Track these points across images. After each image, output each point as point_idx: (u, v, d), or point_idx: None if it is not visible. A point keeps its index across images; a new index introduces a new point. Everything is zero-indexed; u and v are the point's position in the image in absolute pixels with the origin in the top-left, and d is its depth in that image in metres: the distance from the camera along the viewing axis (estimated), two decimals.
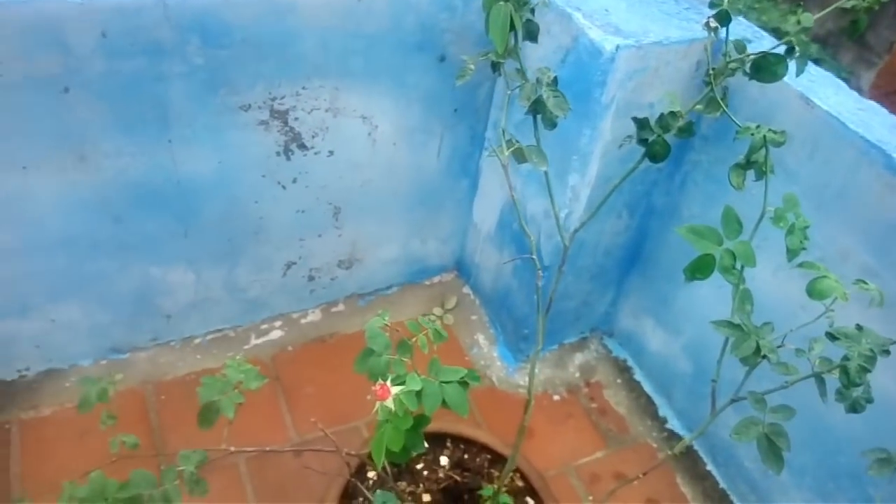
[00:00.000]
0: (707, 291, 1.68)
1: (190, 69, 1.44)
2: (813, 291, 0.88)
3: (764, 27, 1.64)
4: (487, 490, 1.26)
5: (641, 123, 0.93)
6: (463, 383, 0.94)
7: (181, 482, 1.05)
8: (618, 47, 1.40)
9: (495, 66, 1.00)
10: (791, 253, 0.89)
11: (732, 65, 0.96)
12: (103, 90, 1.37)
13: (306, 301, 1.93)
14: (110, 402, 1.08)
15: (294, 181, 1.69)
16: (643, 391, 1.92)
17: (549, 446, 1.79)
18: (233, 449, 1.11)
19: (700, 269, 0.89)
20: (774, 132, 0.88)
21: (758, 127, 0.89)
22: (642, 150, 1.03)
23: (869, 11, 1.18)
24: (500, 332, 1.98)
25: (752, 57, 0.97)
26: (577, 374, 1.97)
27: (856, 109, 1.37)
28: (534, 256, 1.13)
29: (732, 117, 0.93)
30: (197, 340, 1.85)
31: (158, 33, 1.35)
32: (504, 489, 1.27)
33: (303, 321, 1.93)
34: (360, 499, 1.24)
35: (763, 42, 1.49)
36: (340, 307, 1.96)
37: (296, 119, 1.60)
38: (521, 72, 0.95)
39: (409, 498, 1.27)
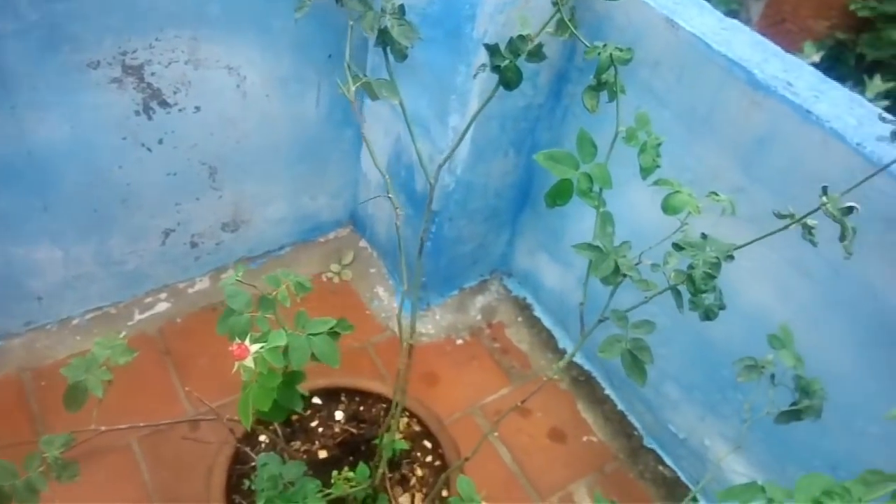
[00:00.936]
0: (593, 223, 1.70)
1: (24, 26, 1.31)
2: (667, 207, 0.90)
3: None
4: (382, 438, 1.25)
5: (492, 50, 0.90)
6: (333, 334, 0.91)
7: (46, 469, 0.99)
8: None
9: None
10: (644, 171, 0.90)
11: None
12: None
13: (192, 269, 1.84)
14: None
15: (160, 142, 1.58)
16: (543, 326, 1.95)
17: (454, 390, 1.81)
18: (103, 428, 1.05)
19: (559, 194, 0.88)
20: (620, 50, 0.87)
21: (604, 46, 0.88)
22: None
23: None
24: (400, 282, 1.96)
25: None
26: (479, 317, 1.98)
27: (719, 29, 1.39)
28: (390, 195, 1.09)
29: (581, 37, 0.91)
30: (75, 321, 1.73)
31: None
32: (401, 435, 1.26)
33: (190, 290, 1.84)
34: (252, 464, 1.21)
35: None
36: (230, 273, 1.88)
37: (152, 74, 1.48)
38: (364, 1, 0.90)
39: (304, 456, 1.25)
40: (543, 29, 0.90)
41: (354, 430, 1.31)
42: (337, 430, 1.30)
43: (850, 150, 1.16)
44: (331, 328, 0.90)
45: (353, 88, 0.95)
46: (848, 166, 1.17)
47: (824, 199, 0.78)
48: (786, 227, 0.84)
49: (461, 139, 1.11)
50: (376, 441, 1.27)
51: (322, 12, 1.60)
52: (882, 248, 1.16)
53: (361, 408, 1.36)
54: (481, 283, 2.02)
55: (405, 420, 1.34)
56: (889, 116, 1.02)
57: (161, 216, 1.70)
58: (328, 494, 1.05)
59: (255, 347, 0.81)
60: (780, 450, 1.45)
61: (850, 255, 0.79)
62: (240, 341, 0.80)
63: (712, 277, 0.82)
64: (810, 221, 0.80)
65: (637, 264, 0.91)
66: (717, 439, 1.58)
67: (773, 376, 1.13)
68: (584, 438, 1.77)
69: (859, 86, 4.23)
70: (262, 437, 1.27)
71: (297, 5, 0.92)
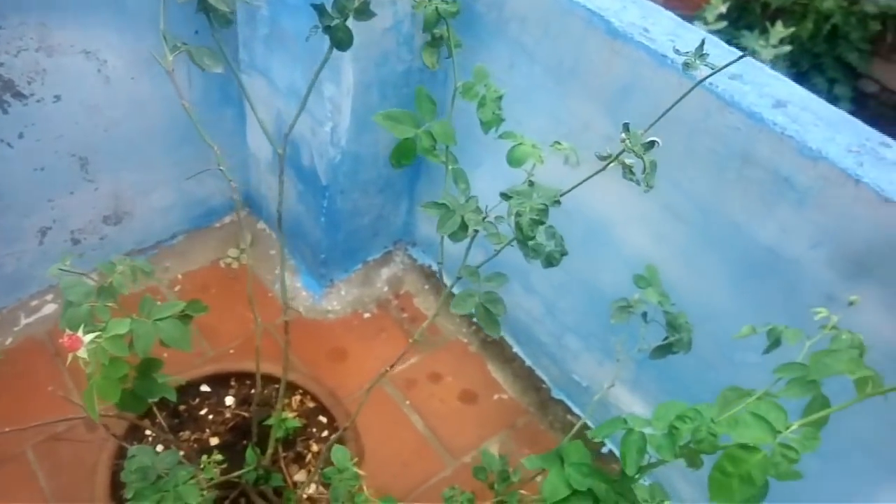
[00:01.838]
0: (487, 184, 1.70)
1: None
2: (511, 159, 0.90)
3: None
4: (273, 418, 1.23)
5: (320, 10, 0.87)
6: (184, 317, 0.88)
7: None
8: None
9: None
10: (486, 125, 0.89)
11: None
12: None
13: (77, 267, 1.75)
14: None
15: (20, 136, 1.49)
16: (451, 292, 1.95)
17: (363, 363, 1.80)
18: None
19: (403, 154, 0.87)
20: (447, 3, 0.86)
21: (430, 0, 0.86)
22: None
23: None
24: (301, 261, 1.93)
25: None
26: (386, 289, 1.97)
27: None
28: (221, 168, 1.06)
29: None
30: None
31: None
32: (294, 414, 1.25)
33: None
34: None
35: None
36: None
37: (1, 65, 1.39)
38: None
39: (195, 445, 1.22)
40: None
41: (246, 414, 1.29)
42: (228, 415, 1.27)
43: (704, 90, 1.18)
44: (181, 311, 0.87)
45: (170, 58, 0.90)
46: (704, 105, 1.20)
47: (624, 136, 0.79)
48: (604, 167, 0.84)
49: (305, 101, 1.08)
50: (267, 422, 1.25)
51: None
52: (741, 184, 1.20)
53: (252, 391, 1.34)
54: (385, 255, 2.00)
55: (298, 398, 1.32)
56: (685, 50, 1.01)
57: (34, 214, 1.61)
58: (210, 480, 1.03)
59: (89, 337, 0.78)
60: (671, 386, 1.51)
61: (649, 188, 0.80)
62: (70, 332, 0.77)
63: (540, 223, 0.82)
64: (628, 161, 0.80)
65: (484, 219, 0.91)
66: (617, 383, 1.63)
67: (644, 315, 1.17)
68: (496, 397, 1.80)
69: (764, 33, 4.37)
70: (149, 431, 1.24)
71: None
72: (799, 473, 0.87)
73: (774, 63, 4.68)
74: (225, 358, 1.70)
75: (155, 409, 1.09)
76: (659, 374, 1.53)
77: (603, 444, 1.72)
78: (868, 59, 5.41)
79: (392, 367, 1.16)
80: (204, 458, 1.10)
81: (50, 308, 1.73)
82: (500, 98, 0.90)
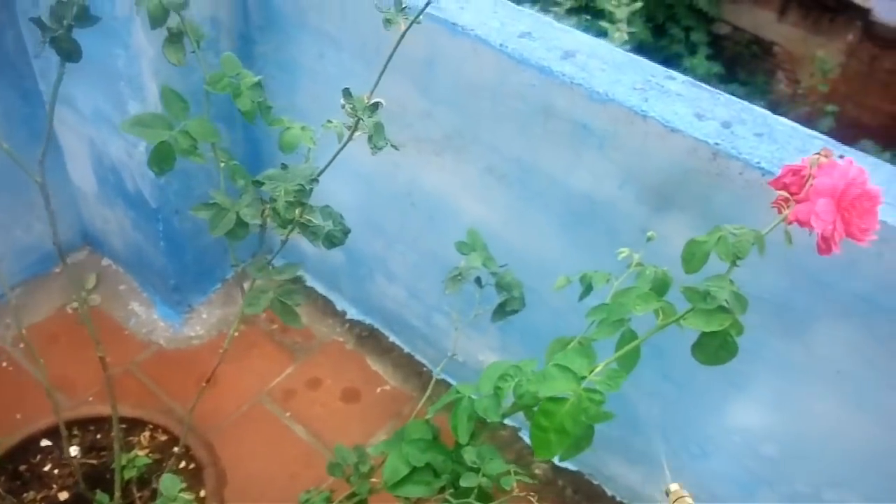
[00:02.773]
0: (340, 187, 1.67)
1: None
2: (283, 145, 0.87)
3: None
4: (122, 459, 1.17)
5: (38, 22, 0.81)
6: None
7: None
8: None
9: None
10: (247, 115, 0.86)
11: None
12: None
13: None
14: None
15: None
16: (318, 294, 1.92)
17: (237, 384, 1.74)
18: None
19: (161, 159, 0.83)
20: None
21: None
22: None
23: None
24: (154, 292, 1.84)
25: None
26: None
27: None
28: (39, 179, 0.99)
29: None
30: None
31: None
32: (146, 451, 1.19)
33: None
34: None
35: None
36: None
37: None
38: None
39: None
40: None
41: (95, 461, 1.21)
42: (75, 466, 1.20)
43: (496, 52, 1.20)
44: None
45: None
46: (500, 68, 1.21)
47: (343, 101, 0.79)
48: (349, 138, 0.83)
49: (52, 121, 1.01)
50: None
51: None
52: (548, 137, 1.23)
53: (98, 435, 1.26)
54: (244, 270, 1.93)
55: (147, 434, 1.26)
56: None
57: None
58: None
59: None
60: (535, 343, 1.52)
61: (377, 150, 0.80)
62: None
63: (300, 205, 0.81)
64: (346, 125, 0.79)
65: (264, 210, 0.88)
66: (487, 352, 1.65)
67: (478, 280, 1.17)
68: (378, 390, 1.78)
69: None
70: None
71: None
72: (609, 414, 0.89)
73: (631, 20, 4.88)
74: (84, 407, 1.60)
75: None
76: (522, 336, 1.56)
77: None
78: (717, 3, 5.72)
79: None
80: None
81: None
82: (256, 84, 0.87)
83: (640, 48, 5.03)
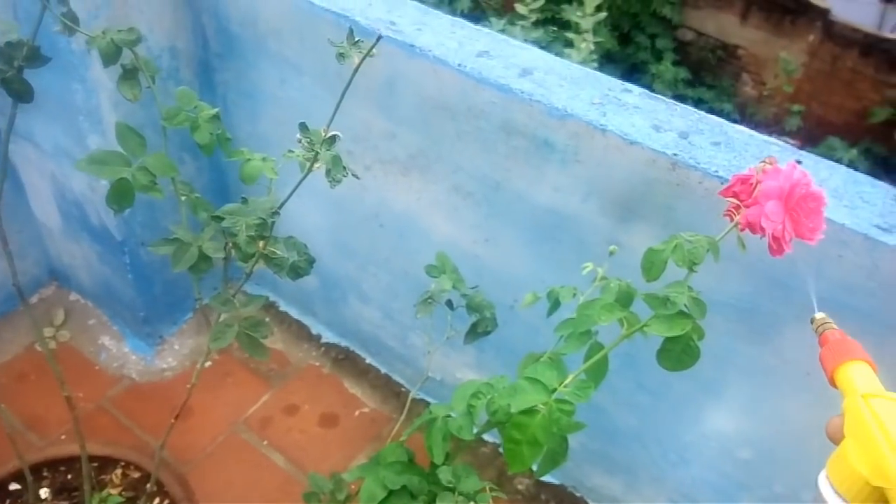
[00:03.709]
0: (309, 211, 1.66)
1: None
2: (244, 177, 0.86)
3: None
4: (94, 499, 1.14)
5: None
6: None
7: None
8: None
9: None
10: (205, 149, 0.86)
11: None
12: None
13: None
14: None
15: None
16: (292, 319, 1.90)
17: (211, 415, 1.71)
18: None
19: (121, 196, 0.82)
20: (122, 31, 0.81)
21: (103, 32, 0.81)
22: None
23: None
24: (124, 325, 1.81)
25: None
26: None
27: None
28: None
29: (73, 26, 0.83)
30: None
31: None
32: (118, 489, 1.16)
33: None
34: None
35: None
36: None
37: None
38: None
39: None
40: (37, 28, 0.81)
41: (66, 503, 1.19)
42: None
43: (455, 72, 1.20)
44: None
45: None
46: (460, 88, 1.22)
47: (299, 136, 0.78)
48: (307, 173, 0.82)
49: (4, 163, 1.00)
50: None
51: None
52: (511, 154, 1.23)
53: (69, 475, 1.24)
54: (220, 294, 1.91)
55: (119, 472, 1.24)
56: None
57: None
58: None
59: None
60: (510, 358, 1.52)
61: (336, 183, 0.80)
62: None
63: (261, 238, 0.80)
64: (302, 154, 0.78)
65: (227, 246, 0.87)
66: (464, 369, 1.64)
67: (450, 302, 1.17)
68: (357, 413, 1.76)
69: (581, 4, 4.59)
70: None
71: None
72: (581, 424, 0.89)
73: (596, 30, 4.93)
74: (57, 445, 1.57)
75: None
76: (497, 352, 1.55)
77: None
78: (680, 9, 5.82)
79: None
80: None
81: None
82: (214, 116, 0.86)
83: (607, 57, 5.09)
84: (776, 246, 0.72)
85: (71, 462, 1.25)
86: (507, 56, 1.22)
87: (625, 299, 0.92)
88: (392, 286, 1.64)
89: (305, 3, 1.31)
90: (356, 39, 0.77)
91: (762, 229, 0.72)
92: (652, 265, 0.81)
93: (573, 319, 0.93)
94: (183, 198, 0.90)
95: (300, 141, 0.77)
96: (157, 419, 1.67)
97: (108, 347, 1.79)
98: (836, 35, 5.18)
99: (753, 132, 1.10)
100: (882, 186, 1.03)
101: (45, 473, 1.23)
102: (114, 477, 1.24)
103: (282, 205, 0.85)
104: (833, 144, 5.06)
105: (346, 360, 1.84)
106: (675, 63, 5.55)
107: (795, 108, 5.38)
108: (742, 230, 0.75)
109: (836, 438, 0.60)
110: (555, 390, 0.82)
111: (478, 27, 1.28)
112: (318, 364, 1.84)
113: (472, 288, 1.14)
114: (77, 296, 1.87)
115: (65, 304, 1.85)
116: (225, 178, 1.75)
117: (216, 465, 1.62)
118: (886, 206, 1.00)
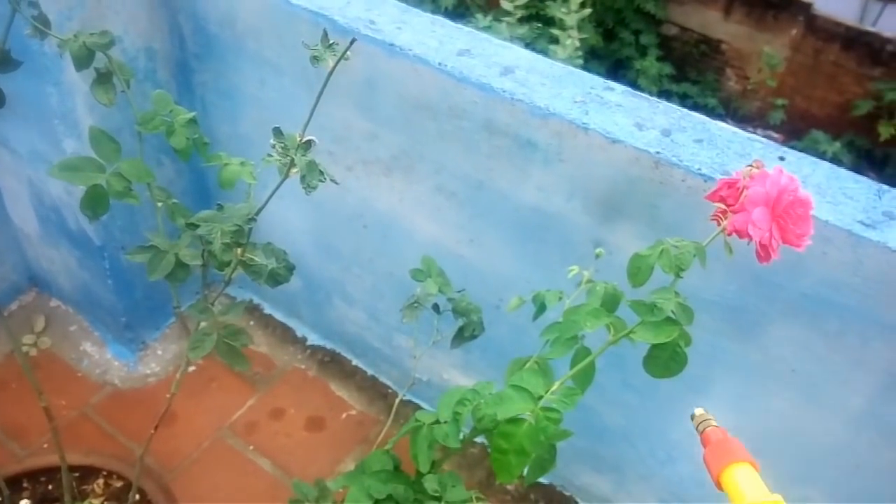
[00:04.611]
0: (291, 212, 1.64)
1: None
2: (222, 182, 0.85)
3: None
4: None
5: None
6: None
7: None
8: None
9: None
10: (182, 154, 0.84)
11: None
12: None
13: None
14: None
15: None
16: (277, 322, 1.88)
17: (196, 421, 1.69)
18: None
19: (95, 203, 0.80)
20: (94, 34, 0.79)
21: (75, 35, 0.79)
22: None
23: None
24: (105, 331, 1.78)
25: None
26: None
27: None
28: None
29: (44, 29, 0.81)
30: None
31: None
32: (100, 499, 1.14)
33: None
34: None
35: None
36: None
37: None
38: None
39: None
40: (6, 33, 0.79)
41: None
42: None
43: (435, 72, 1.19)
44: None
45: None
46: (441, 87, 1.20)
47: (273, 141, 0.77)
48: (284, 178, 0.80)
49: None
50: None
51: None
52: (493, 153, 1.22)
53: (50, 486, 1.21)
54: (199, 301, 1.89)
55: (101, 481, 1.22)
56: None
57: None
58: None
59: None
60: (497, 361, 1.52)
61: (311, 190, 0.78)
62: None
63: (237, 245, 0.78)
64: (278, 159, 0.77)
65: (204, 253, 0.85)
66: (451, 370, 1.63)
67: (436, 306, 1.16)
68: (344, 415, 1.75)
69: (566, 1, 4.58)
70: None
71: None
72: (568, 432, 0.88)
73: (581, 26, 4.93)
74: (39, 455, 1.54)
75: None
76: (484, 353, 1.54)
77: None
78: (664, 5, 5.82)
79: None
80: None
81: None
82: (190, 121, 0.84)
83: (591, 53, 5.09)
84: (763, 253, 0.72)
85: (52, 472, 1.23)
86: (488, 55, 1.21)
87: (611, 303, 0.91)
88: (377, 287, 1.62)
89: (283, 1, 1.29)
90: (330, 42, 0.75)
91: (749, 236, 0.71)
92: (638, 271, 0.80)
93: (559, 324, 0.92)
94: (159, 204, 0.88)
95: (274, 146, 0.75)
96: (141, 426, 1.65)
97: (91, 354, 1.77)
98: (819, 29, 5.21)
99: (736, 129, 1.10)
100: (865, 182, 1.02)
101: (24, 484, 1.21)
102: (96, 486, 1.22)
103: (258, 211, 0.83)
104: (817, 138, 5.09)
105: (331, 363, 1.82)
106: (660, 58, 5.56)
107: (779, 102, 5.40)
108: (729, 235, 0.74)
109: None
110: (541, 398, 0.81)
111: (458, 25, 1.27)
112: (303, 367, 1.82)
113: (459, 292, 1.12)
114: (58, 302, 1.84)
115: (45, 310, 1.82)
116: (205, 181, 1.73)
117: (202, 471, 1.61)
118: (869, 201, 0.99)
